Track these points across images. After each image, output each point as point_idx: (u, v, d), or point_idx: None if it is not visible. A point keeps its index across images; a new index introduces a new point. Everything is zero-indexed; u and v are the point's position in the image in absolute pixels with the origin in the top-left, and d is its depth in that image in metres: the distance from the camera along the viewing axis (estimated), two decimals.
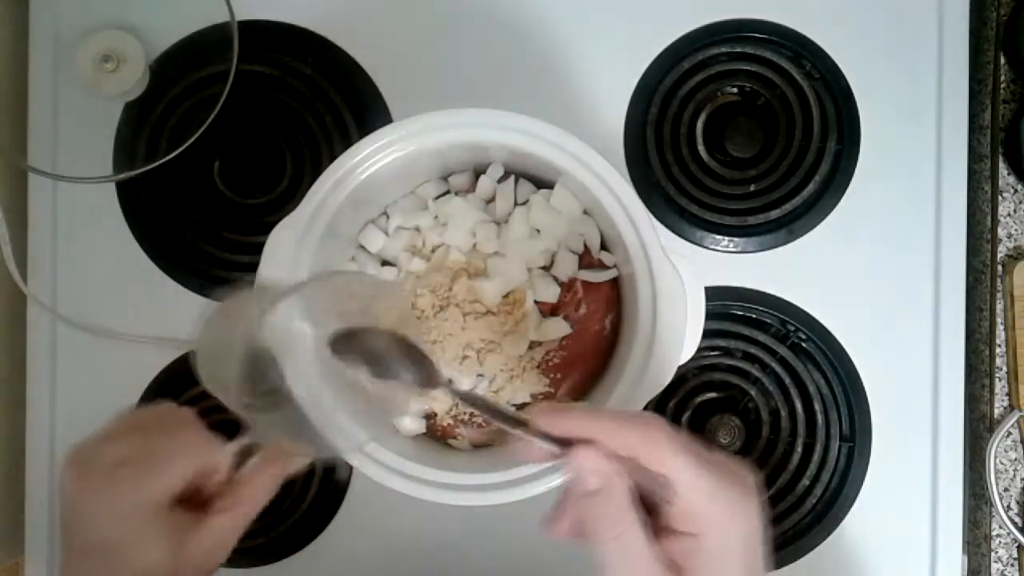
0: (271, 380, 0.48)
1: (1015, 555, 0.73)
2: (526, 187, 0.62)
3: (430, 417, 0.62)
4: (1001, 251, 0.73)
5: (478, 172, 0.63)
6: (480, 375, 0.60)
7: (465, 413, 0.61)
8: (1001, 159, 0.74)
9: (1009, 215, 0.74)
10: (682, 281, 0.56)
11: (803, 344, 0.74)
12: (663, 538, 0.45)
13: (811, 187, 0.73)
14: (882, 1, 0.74)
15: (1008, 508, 0.73)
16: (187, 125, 0.72)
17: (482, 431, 0.62)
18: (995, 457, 0.72)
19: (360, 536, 0.73)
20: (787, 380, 0.73)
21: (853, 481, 0.73)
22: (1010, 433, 0.73)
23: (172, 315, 0.74)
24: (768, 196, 0.74)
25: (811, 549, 0.73)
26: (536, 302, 0.61)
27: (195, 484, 0.50)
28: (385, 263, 0.63)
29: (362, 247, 0.63)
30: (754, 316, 0.74)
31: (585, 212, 0.61)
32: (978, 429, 0.75)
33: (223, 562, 0.50)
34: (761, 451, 0.73)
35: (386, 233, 0.63)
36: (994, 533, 0.73)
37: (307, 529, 0.73)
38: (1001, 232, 0.73)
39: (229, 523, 0.50)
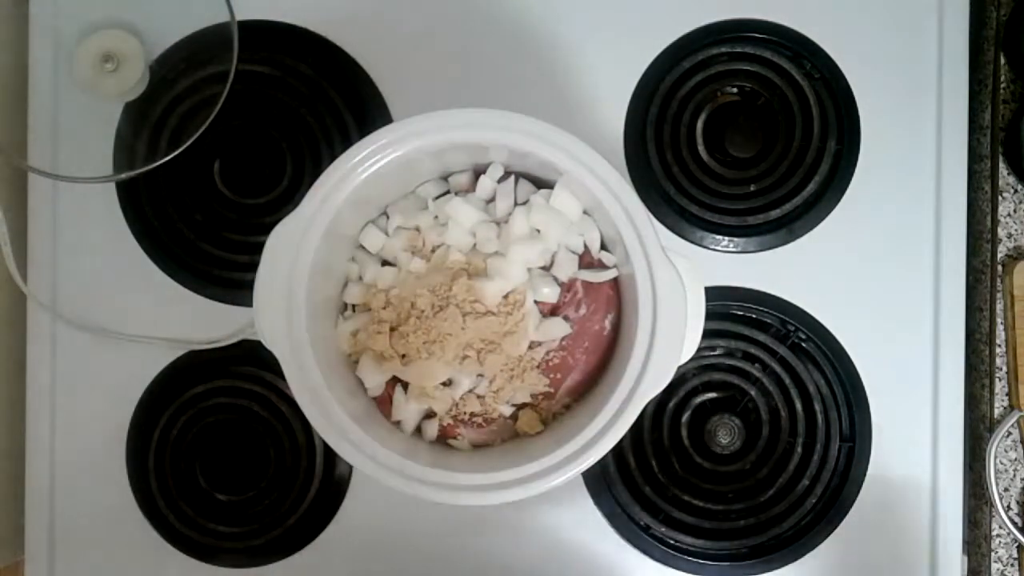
0: None
1: (1015, 555, 0.73)
2: (526, 187, 0.62)
3: (429, 416, 0.62)
4: (1001, 251, 0.73)
5: (478, 172, 0.63)
6: (480, 375, 0.60)
7: (465, 413, 0.61)
8: (1001, 159, 0.74)
9: (1009, 215, 0.74)
10: (682, 281, 0.56)
11: (803, 344, 0.74)
12: None
13: (811, 187, 0.73)
14: (882, 1, 0.74)
15: (1008, 508, 0.73)
16: (187, 125, 0.72)
17: (482, 431, 0.62)
18: (995, 457, 0.72)
19: (360, 535, 0.73)
20: (787, 380, 0.73)
21: (853, 481, 0.73)
22: (1010, 433, 0.73)
23: (172, 315, 0.74)
24: (768, 196, 0.74)
25: (811, 549, 0.73)
26: (536, 302, 0.61)
27: None
28: (385, 263, 0.63)
29: (362, 247, 0.63)
30: (754, 316, 0.74)
31: (585, 212, 0.61)
32: (978, 429, 0.75)
33: None
34: (761, 451, 0.74)
35: (386, 233, 0.63)
36: (994, 533, 0.73)
37: (307, 529, 0.73)
38: (1001, 232, 0.73)
39: None
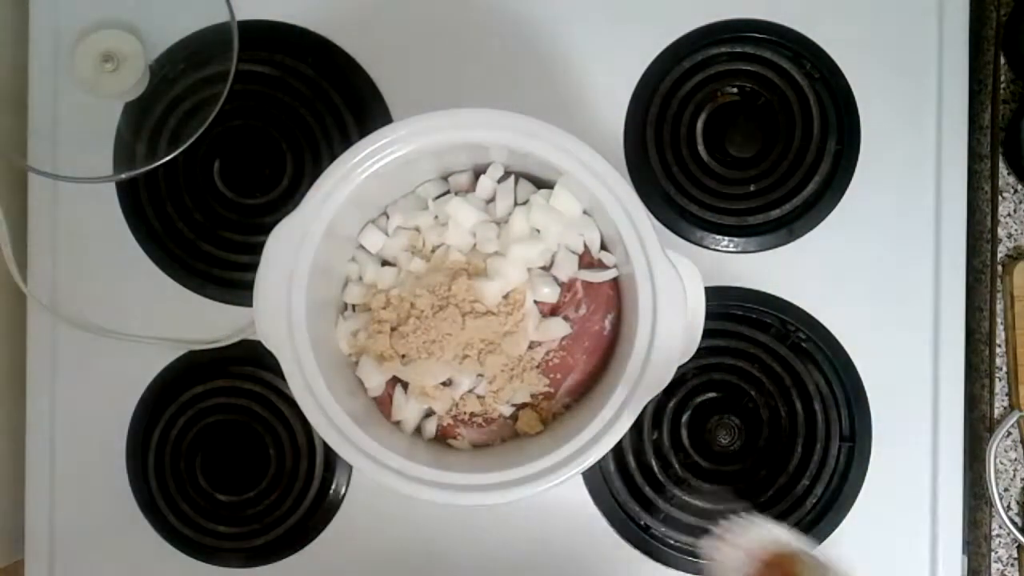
0: None
1: (1015, 555, 0.73)
2: (526, 187, 0.62)
3: (429, 416, 0.62)
4: (1001, 251, 0.73)
5: (478, 172, 0.63)
6: (480, 375, 0.60)
7: (465, 413, 0.61)
8: (1001, 159, 0.74)
9: (1009, 215, 0.74)
10: (682, 281, 0.56)
11: (803, 344, 0.74)
12: None
13: (811, 187, 0.73)
14: (882, 1, 0.74)
15: (1008, 508, 0.73)
16: (187, 125, 0.72)
17: (482, 431, 0.62)
18: (995, 457, 0.72)
19: (360, 535, 0.73)
20: (787, 380, 0.73)
21: (853, 481, 0.73)
22: (1010, 433, 0.73)
23: (172, 315, 0.74)
24: (768, 196, 0.74)
25: (811, 549, 0.73)
26: (536, 302, 0.61)
27: None
28: (385, 263, 0.63)
29: (362, 247, 0.63)
30: (754, 316, 0.74)
31: (585, 212, 0.61)
32: (978, 429, 0.75)
33: None
34: (761, 451, 0.74)
35: (386, 233, 0.63)
36: (994, 533, 0.73)
37: (307, 528, 0.73)
38: (1001, 232, 0.73)
39: None
